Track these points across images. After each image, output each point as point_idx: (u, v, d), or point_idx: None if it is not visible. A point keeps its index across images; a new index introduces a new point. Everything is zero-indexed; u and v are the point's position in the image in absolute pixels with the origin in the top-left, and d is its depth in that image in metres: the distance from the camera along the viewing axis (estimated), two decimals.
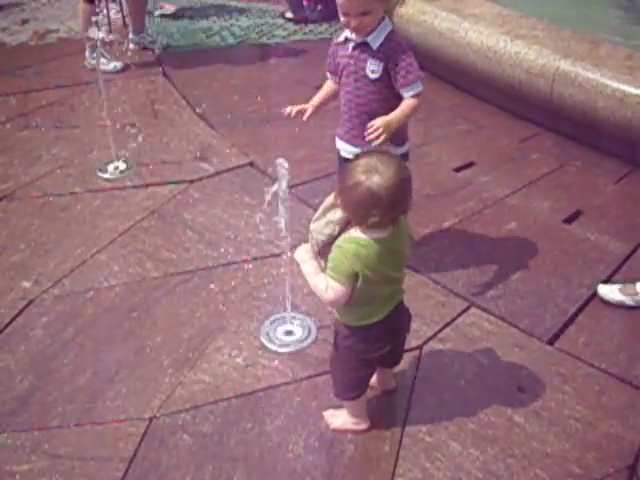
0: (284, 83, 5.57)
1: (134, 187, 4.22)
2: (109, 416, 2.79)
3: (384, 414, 2.76)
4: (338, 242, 2.35)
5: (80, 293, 3.41)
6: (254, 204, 3.99)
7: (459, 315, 3.23)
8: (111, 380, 2.94)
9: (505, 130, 4.79)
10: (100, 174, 4.34)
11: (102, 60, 5.51)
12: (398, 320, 2.53)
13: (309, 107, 3.26)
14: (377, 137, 2.90)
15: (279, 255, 3.57)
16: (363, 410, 2.68)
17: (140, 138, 4.69)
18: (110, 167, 4.37)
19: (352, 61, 3.07)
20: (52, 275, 3.52)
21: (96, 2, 5.38)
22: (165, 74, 5.67)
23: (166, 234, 3.79)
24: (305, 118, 3.25)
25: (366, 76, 3.04)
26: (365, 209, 2.24)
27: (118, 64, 5.64)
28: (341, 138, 3.30)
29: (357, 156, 2.33)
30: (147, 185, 4.23)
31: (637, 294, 3.26)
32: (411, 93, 3.01)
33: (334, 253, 2.33)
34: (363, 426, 2.69)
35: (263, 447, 2.64)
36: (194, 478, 2.54)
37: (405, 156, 3.23)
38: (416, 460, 2.59)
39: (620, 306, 3.26)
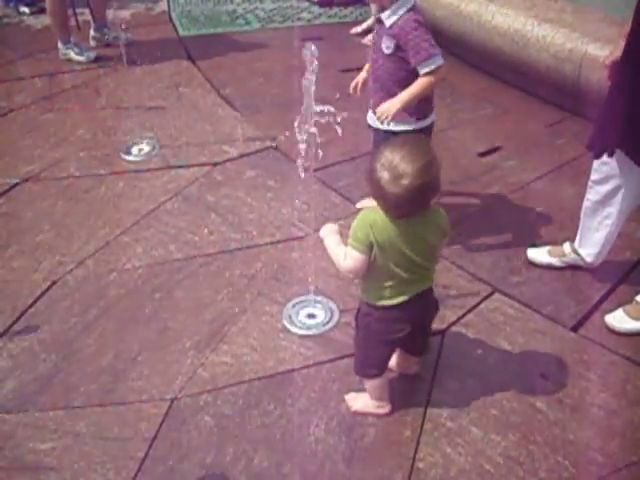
0: None
1: (158, 169, 4.22)
2: (131, 396, 2.81)
3: (406, 398, 2.75)
4: (361, 212, 2.40)
5: (103, 274, 3.42)
6: (277, 187, 3.99)
7: (483, 300, 3.21)
8: (133, 361, 2.96)
9: (531, 115, 4.73)
10: (124, 156, 4.35)
11: (75, 50, 5.54)
12: (421, 308, 2.53)
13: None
14: (384, 123, 3.16)
15: (302, 238, 3.57)
16: (385, 393, 2.68)
17: (164, 121, 4.70)
18: (134, 149, 4.39)
19: (375, 35, 3.25)
20: (76, 256, 3.54)
21: None
22: (189, 57, 5.66)
23: (189, 216, 3.80)
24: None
25: (382, 51, 3.18)
26: (376, 199, 2.33)
27: (92, 54, 5.62)
28: (369, 106, 3.42)
29: (392, 142, 2.35)
30: (171, 167, 4.23)
31: (564, 255, 3.35)
32: (424, 70, 3.10)
33: (354, 222, 2.39)
34: (384, 410, 2.69)
35: (284, 429, 2.65)
36: (215, 459, 2.55)
37: (427, 130, 3.32)
38: (437, 445, 2.58)
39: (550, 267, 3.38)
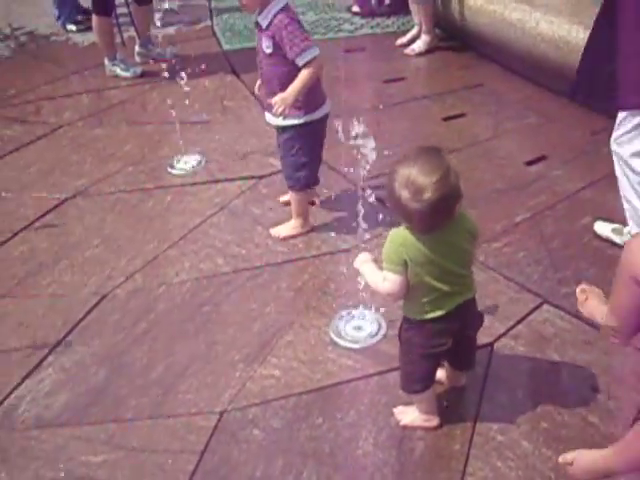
0: (352, 78, 5.54)
1: (204, 183, 4.27)
2: (181, 409, 2.83)
3: (454, 411, 2.73)
4: (389, 234, 2.41)
5: (152, 288, 3.47)
6: (323, 199, 3.99)
7: (532, 312, 3.17)
8: (183, 374, 2.98)
9: (577, 122, 4.67)
10: (170, 170, 4.41)
11: (122, 66, 5.63)
12: (462, 320, 2.50)
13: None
14: (278, 112, 3.36)
15: (348, 250, 3.57)
16: (433, 407, 2.67)
17: (209, 135, 4.75)
18: (180, 164, 4.44)
19: (257, 38, 3.47)
20: (124, 270, 3.59)
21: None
22: (233, 71, 5.71)
23: (236, 230, 3.83)
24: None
25: (264, 52, 3.41)
26: (400, 217, 2.33)
27: (138, 69, 5.71)
28: (264, 107, 3.72)
29: (405, 158, 2.31)
30: (217, 181, 4.27)
31: (622, 234, 3.46)
32: (302, 62, 3.33)
33: (385, 245, 2.40)
34: (433, 423, 2.67)
35: (333, 443, 2.65)
36: (264, 472, 2.56)
37: (320, 122, 3.55)
38: (487, 459, 2.55)
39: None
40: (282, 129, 3.55)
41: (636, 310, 2.52)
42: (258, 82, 3.68)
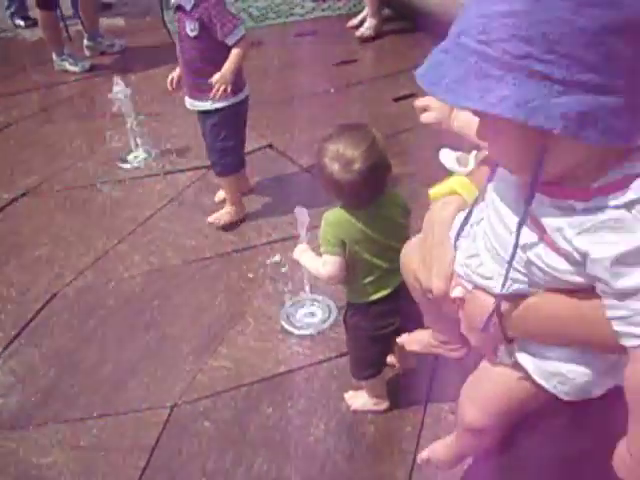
0: (303, 62, 5.51)
1: (154, 175, 4.23)
2: (131, 406, 2.81)
3: (405, 394, 2.73)
4: (323, 217, 2.38)
5: (102, 284, 3.43)
6: (273, 186, 3.96)
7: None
8: (133, 370, 2.95)
9: None
10: (121, 164, 4.35)
11: (70, 60, 5.56)
12: (406, 298, 2.48)
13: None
14: (220, 92, 3.30)
15: (299, 237, 3.54)
16: (383, 390, 2.66)
17: (159, 126, 4.70)
18: (130, 157, 4.39)
19: (176, 22, 3.40)
20: (74, 268, 3.54)
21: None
22: None
23: (186, 221, 3.79)
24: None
25: (187, 35, 3.31)
26: (333, 192, 2.31)
27: (86, 64, 5.64)
28: (185, 94, 3.56)
29: (330, 135, 2.30)
30: (167, 173, 4.23)
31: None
32: (232, 41, 3.30)
33: (321, 229, 2.38)
34: (383, 406, 2.66)
35: (284, 431, 2.63)
36: (215, 465, 2.54)
37: (243, 103, 3.52)
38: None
39: None
40: (207, 114, 3.49)
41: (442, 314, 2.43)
42: (170, 76, 3.55)
